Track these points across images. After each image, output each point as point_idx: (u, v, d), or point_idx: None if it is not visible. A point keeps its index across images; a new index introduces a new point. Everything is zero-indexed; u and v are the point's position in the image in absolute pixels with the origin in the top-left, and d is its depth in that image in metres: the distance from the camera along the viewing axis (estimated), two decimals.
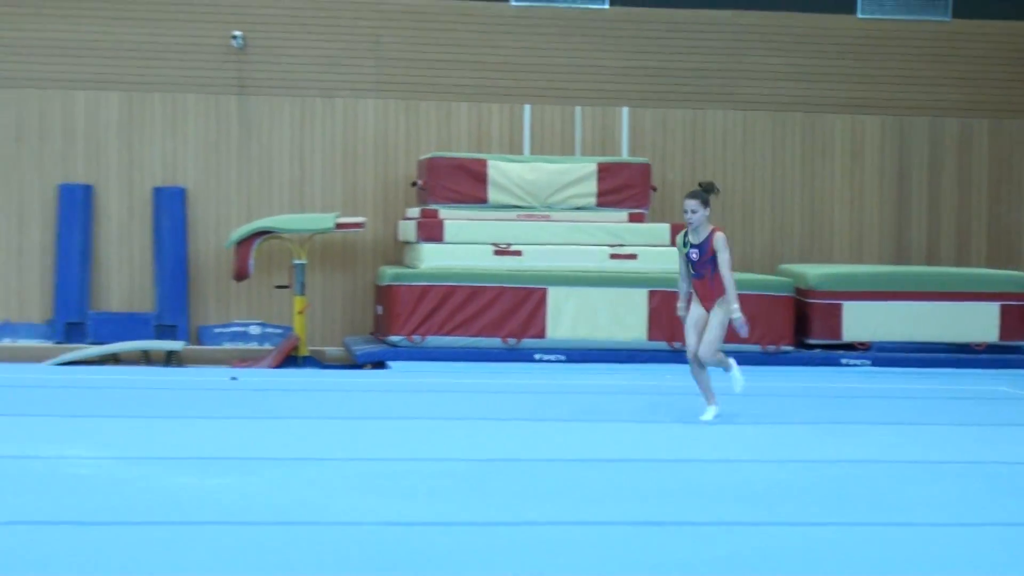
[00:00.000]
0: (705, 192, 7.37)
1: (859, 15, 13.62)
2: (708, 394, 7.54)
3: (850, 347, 11.88)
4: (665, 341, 11.69)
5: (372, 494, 5.85)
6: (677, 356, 11.20)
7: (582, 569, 4.09)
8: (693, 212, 7.17)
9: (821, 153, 13.67)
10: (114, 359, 12.48)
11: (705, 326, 7.45)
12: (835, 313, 11.89)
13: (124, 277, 13.42)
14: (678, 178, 13.06)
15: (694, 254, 7.27)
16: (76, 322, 12.83)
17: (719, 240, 7.20)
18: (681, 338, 11.07)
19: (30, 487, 5.87)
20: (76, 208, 13.07)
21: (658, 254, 11.84)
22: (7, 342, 12.76)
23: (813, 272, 12.08)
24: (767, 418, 8.62)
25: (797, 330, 11.94)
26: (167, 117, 13.36)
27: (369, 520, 5.20)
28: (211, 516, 5.34)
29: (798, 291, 11.90)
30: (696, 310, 7.45)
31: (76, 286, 12.97)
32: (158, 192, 13.16)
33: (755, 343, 11.43)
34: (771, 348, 11.62)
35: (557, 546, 4.59)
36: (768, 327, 11.61)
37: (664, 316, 11.62)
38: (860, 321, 11.88)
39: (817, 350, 11.95)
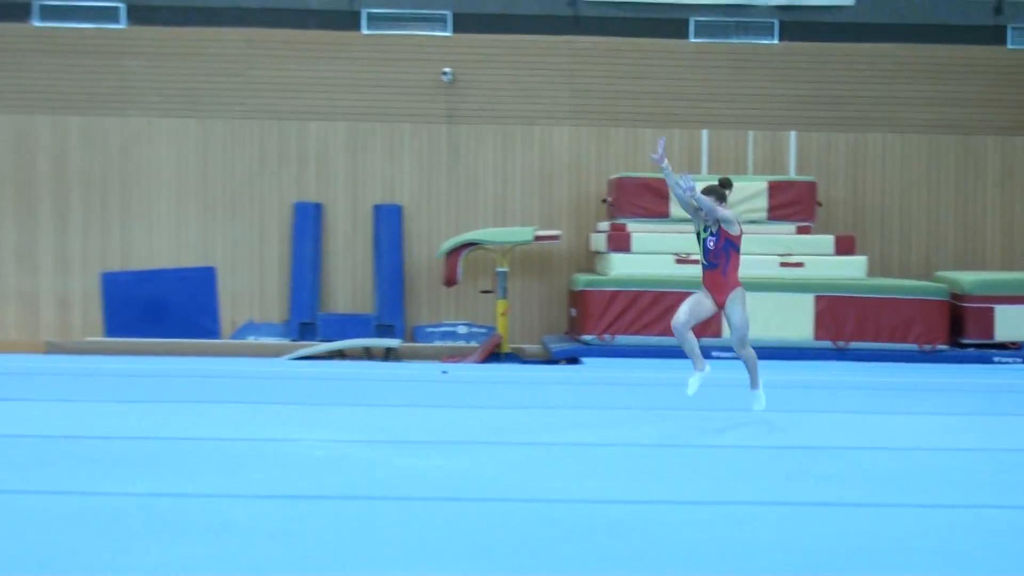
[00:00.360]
0: (722, 187, 7.40)
1: (1008, 46, 14.19)
2: (696, 359, 7.49)
3: (1002, 346, 12.47)
4: (830, 340, 12.36)
5: (566, 474, 6.38)
6: (841, 354, 12.34)
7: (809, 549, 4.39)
8: (711, 210, 7.19)
9: (974, 171, 14.20)
10: (340, 355, 13.43)
11: (703, 315, 7.49)
12: (987, 315, 12.51)
13: (348, 283, 14.48)
14: (841, 195, 13.74)
15: (711, 242, 7.31)
16: (308, 322, 13.90)
17: (731, 213, 7.29)
18: (845, 337, 12.28)
19: (275, 466, 6.55)
20: (308, 223, 14.19)
21: (823, 263, 12.65)
22: (251, 340, 13.95)
23: (967, 278, 12.72)
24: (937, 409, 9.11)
25: (952, 331, 12.54)
26: (386, 144, 14.40)
27: (562, 497, 5.69)
28: (427, 492, 5.85)
29: (953, 296, 12.51)
30: (706, 301, 7.45)
31: (308, 291, 14.03)
32: (378, 209, 14.24)
33: (913, 343, 12.35)
34: (928, 347, 12.28)
35: (751, 524, 4.95)
36: (925, 328, 12.33)
37: (829, 318, 12.41)
38: (1011, 322, 12.47)
39: (971, 349, 12.53)
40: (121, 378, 10.99)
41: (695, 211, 7.40)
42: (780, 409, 8.89)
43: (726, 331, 11.05)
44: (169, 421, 8.39)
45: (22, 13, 14.19)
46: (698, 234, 7.42)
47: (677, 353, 11.87)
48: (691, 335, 7.44)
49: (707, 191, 7.24)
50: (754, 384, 7.65)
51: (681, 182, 7.31)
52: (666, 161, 7.53)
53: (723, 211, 7.14)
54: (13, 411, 8.76)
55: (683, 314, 7.36)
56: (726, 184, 7.41)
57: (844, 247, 12.96)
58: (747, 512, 5.30)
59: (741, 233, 7.31)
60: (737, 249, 7.32)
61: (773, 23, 14.36)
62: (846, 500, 5.42)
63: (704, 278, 7.47)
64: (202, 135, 14.44)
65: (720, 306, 7.37)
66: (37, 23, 14.18)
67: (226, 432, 7.87)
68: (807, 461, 6.70)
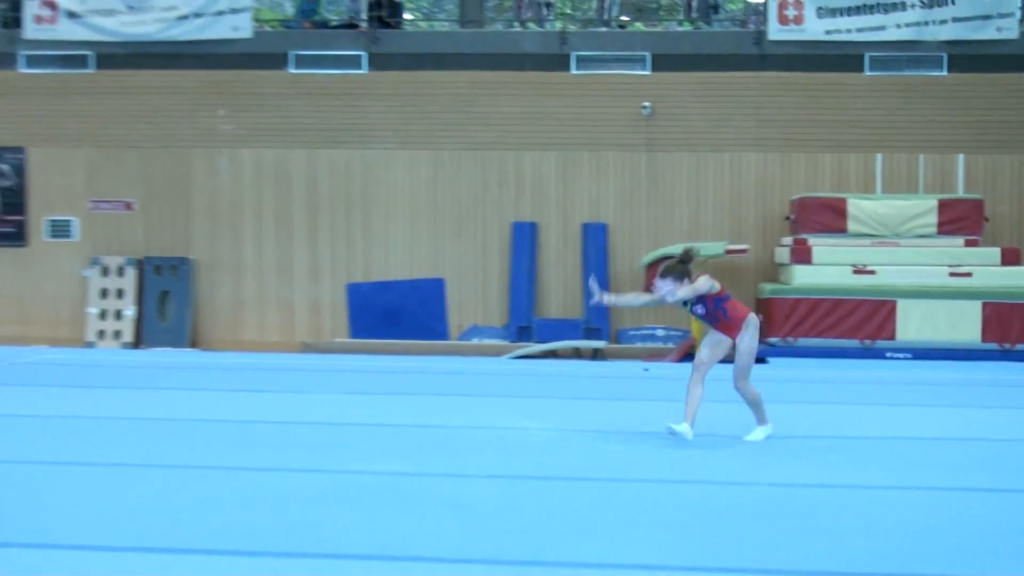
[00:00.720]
0: (683, 262, 6.97)
1: None
2: (691, 414, 6.94)
3: None
4: (996, 343, 13.10)
5: (757, 460, 6.65)
6: (1007, 355, 13.05)
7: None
8: (670, 292, 6.74)
9: None
10: (553, 354, 14.26)
11: (723, 353, 7.04)
12: None
13: (560, 291, 15.51)
14: (1007, 211, 14.39)
15: (699, 310, 6.95)
16: (525, 326, 14.82)
17: (700, 283, 6.78)
18: (1011, 340, 13.05)
19: (499, 450, 6.87)
20: (525, 240, 15.20)
21: (990, 273, 13.24)
22: (475, 341, 14.97)
23: None
24: None
25: None
26: (592, 170, 15.45)
27: (752, 480, 6.00)
28: (630, 475, 6.14)
29: None
30: (723, 340, 6.99)
31: (525, 298, 15.02)
32: (586, 227, 15.23)
33: None
34: None
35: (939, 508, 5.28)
36: None
37: (995, 322, 13.08)
38: None
39: None
40: (365, 374, 11.82)
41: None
42: (942, 405, 9.56)
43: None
44: (406, 410, 8.93)
45: (280, 62, 15.68)
46: (685, 303, 6.94)
47: (852, 354, 13.17)
48: (700, 389, 6.98)
49: (666, 272, 6.84)
50: (760, 420, 7.17)
51: (625, 299, 7.86)
52: (605, 298, 7.16)
53: (683, 292, 6.67)
54: (277, 401, 9.53)
55: (705, 356, 7.00)
56: (687, 258, 6.99)
57: (1010, 258, 13.43)
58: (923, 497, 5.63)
59: (719, 286, 6.85)
60: (726, 298, 6.91)
61: (942, 56, 14.91)
62: None
63: (712, 329, 7.07)
64: (433, 164, 15.62)
65: (733, 339, 6.94)
66: (292, 70, 15.72)
67: (456, 421, 8.41)
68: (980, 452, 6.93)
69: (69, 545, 4.60)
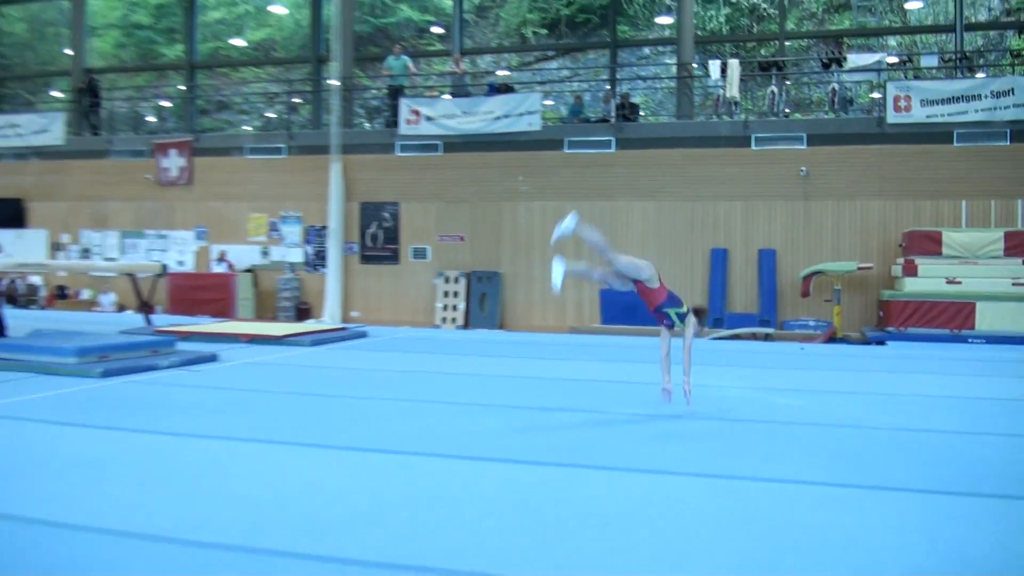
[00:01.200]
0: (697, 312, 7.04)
1: None
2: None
3: None
4: None
5: (884, 413, 7.11)
6: None
7: None
8: (650, 279, 6.79)
9: None
10: (737, 337, 16.14)
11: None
12: None
13: (742, 295, 18.13)
14: None
15: (668, 323, 7.01)
16: (719, 318, 17.37)
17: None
18: None
19: (705, 401, 7.27)
20: (719, 260, 17.98)
21: None
22: None
23: None
24: None
25: None
26: (765, 214, 18.01)
27: (885, 425, 6.49)
28: (791, 419, 6.80)
29: None
30: (666, 334, 7.03)
31: (719, 300, 17.79)
32: (761, 252, 17.79)
33: None
34: None
35: None
36: None
37: None
38: None
39: None
40: (611, 348, 12.67)
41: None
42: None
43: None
44: (638, 373, 9.28)
45: (558, 145, 19.13)
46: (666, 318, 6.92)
47: (944, 339, 14.60)
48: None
49: (693, 312, 6.94)
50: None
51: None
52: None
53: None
54: (554, 365, 10.19)
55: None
56: (700, 310, 7.06)
57: None
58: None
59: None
60: (665, 303, 6.95)
61: (1006, 131, 16.84)
62: None
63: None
64: (656, 211, 18.55)
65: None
66: (566, 151, 19.14)
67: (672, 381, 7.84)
68: None
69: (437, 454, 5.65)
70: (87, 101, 23.63)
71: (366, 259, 20.75)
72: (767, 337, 16.38)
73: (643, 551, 3.85)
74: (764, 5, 21.65)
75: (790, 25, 21.36)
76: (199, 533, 4.09)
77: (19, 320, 14.30)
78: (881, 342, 14.74)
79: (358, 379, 9.35)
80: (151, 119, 26.01)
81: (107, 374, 9.57)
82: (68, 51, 26.30)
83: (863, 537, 4.02)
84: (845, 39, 20.93)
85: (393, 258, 20.51)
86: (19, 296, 23.27)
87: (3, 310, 12.61)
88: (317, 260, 21.31)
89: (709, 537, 4.02)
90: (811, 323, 17.23)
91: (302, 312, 21.03)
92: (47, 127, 23.60)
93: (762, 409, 7.35)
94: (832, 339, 15.53)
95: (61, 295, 23.81)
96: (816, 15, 21.33)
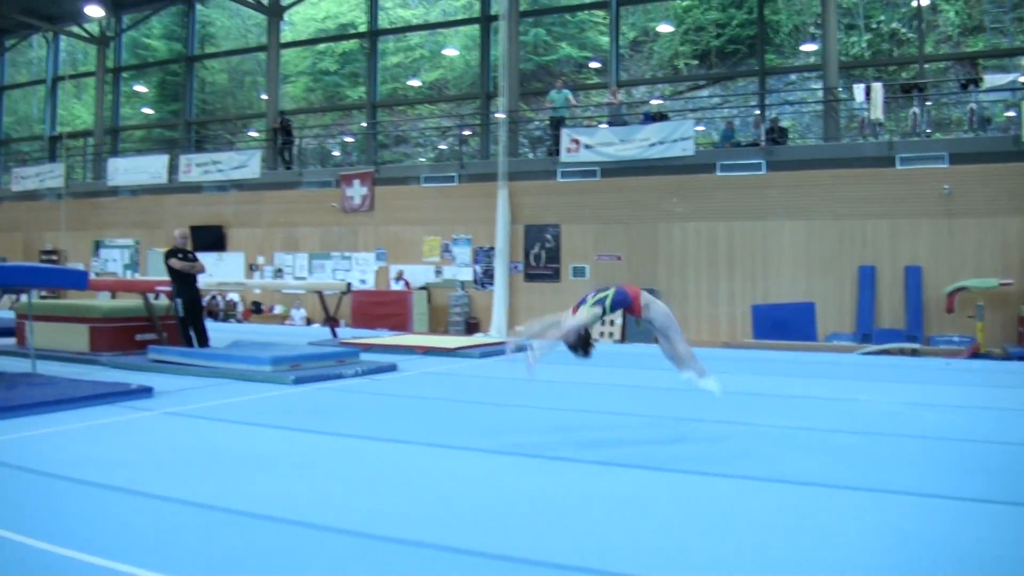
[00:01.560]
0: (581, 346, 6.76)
1: None
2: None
3: None
4: None
5: (976, 420, 7.42)
6: None
7: None
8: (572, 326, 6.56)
9: None
10: (886, 352, 16.30)
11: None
12: None
13: (890, 311, 18.56)
14: None
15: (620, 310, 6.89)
16: (867, 333, 17.84)
17: (580, 313, 6.78)
18: None
19: (853, 415, 7.57)
20: (867, 277, 18.60)
21: None
22: (835, 342, 17.56)
23: None
24: None
25: None
26: (907, 231, 18.40)
27: (956, 435, 6.67)
28: (932, 433, 6.80)
29: None
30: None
31: (867, 316, 18.33)
32: (907, 269, 18.32)
33: None
34: None
35: None
36: None
37: None
38: None
39: None
40: (763, 362, 13.17)
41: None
42: None
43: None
44: (790, 386, 9.66)
45: (711, 169, 20.09)
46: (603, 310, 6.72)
47: None
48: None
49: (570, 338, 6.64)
50: (700, 373, 6.96)
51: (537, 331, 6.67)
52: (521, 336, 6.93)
53: (570, 323, 6.69)
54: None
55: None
56: (588, 339, 6.74)
57: None
58: None
59: (599, 309, 6.85)
60: (619, 301, 6.89)
61: None
62: None
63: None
64: (807, 229, 19.29)
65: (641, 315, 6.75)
66: (718, 173, 20.07)
67: (822, 393, 9.10)
68: None
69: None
70: (280, 139, 26.15)
71: (530, 277, 21.74)
72: (914, 352, 16.70)
73: (800, 559, 4.02)
74: (903, 30, 22.32)
75: (928, 48, 21.90)
76: (388, 528, 4.36)
77: (220, 332, 15.56)
78: (1023, 358, 15.26)
79: (523, 390, 9.48)
80: (336, 153, 28.51)
81: (298, 381, 10.18)
82: (264, 96, 29.10)
83: (1018, 554, 4.09)
84: (980, 60, 21.27)
85: (554, 276, 21.50)
86: (220, 311, 26.02)
87: (206, 323, 13.42)
88: (485, 278, 22.39)
89: (858, 549, 4.12)
90: (956, 339, 17.56)
91: (471, 326, 22.11)
92: (245, 163, 26.40)
93: (911, 423, 7.43)
94: (975, 354, 15.88)
95: (256, 310, 26.34)
96: (952, 37, 21.88)
